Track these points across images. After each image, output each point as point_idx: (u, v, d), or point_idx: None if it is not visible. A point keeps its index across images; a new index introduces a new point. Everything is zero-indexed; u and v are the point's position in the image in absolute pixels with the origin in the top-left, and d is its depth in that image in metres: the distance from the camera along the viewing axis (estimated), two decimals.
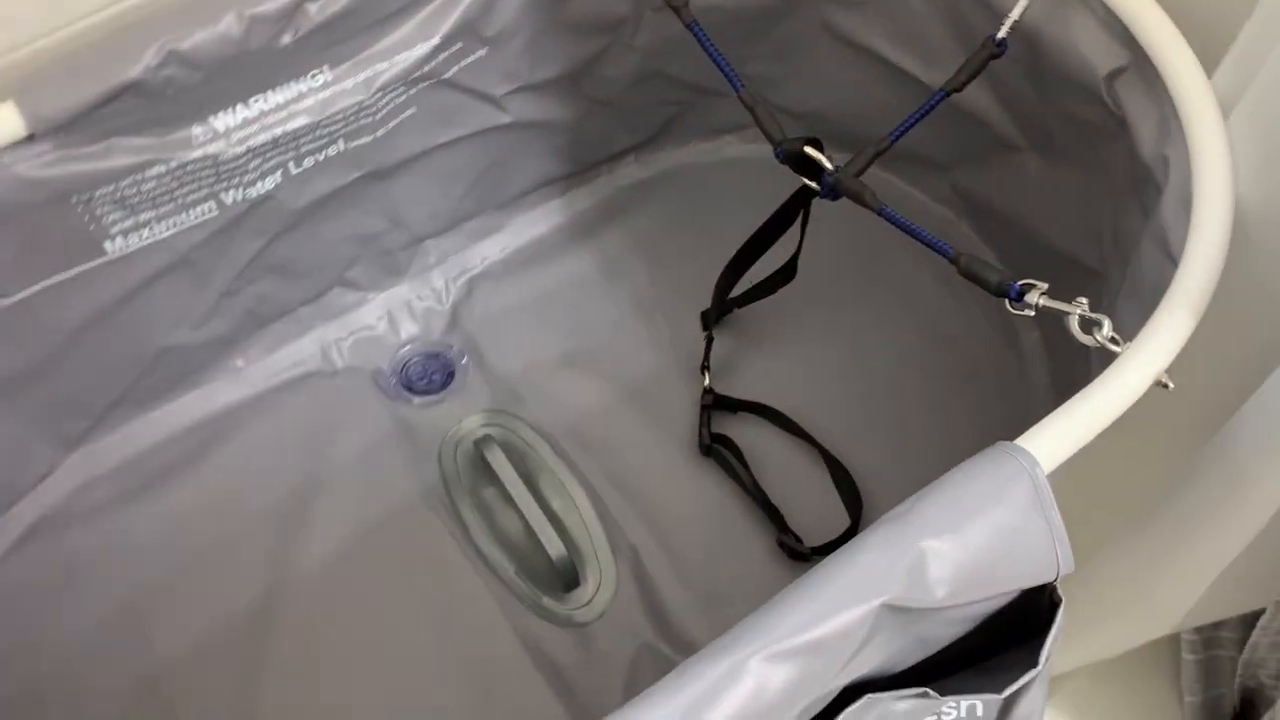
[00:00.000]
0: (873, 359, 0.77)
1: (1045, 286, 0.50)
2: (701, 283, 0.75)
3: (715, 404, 0.74)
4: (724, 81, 0.63)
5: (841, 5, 0.74)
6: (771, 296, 0.75)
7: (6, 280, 0.59)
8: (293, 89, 0.61)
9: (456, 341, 0.79)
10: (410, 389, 0.77)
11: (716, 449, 0.73)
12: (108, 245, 0.61)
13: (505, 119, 0.74)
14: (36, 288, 0.60)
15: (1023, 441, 0.44)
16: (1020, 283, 0.51)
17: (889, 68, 0.75)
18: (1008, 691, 0.44)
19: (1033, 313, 0.50)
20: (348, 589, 0.68)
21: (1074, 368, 0.71)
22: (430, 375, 0.78)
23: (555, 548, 0.68)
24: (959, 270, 0.54)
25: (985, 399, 0.75)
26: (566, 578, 0.68)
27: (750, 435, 0.74)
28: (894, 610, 0.40)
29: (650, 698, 0.37)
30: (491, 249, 0.82)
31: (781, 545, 0.69)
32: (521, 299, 0.81)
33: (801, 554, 0.68)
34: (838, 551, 0.41)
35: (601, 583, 0.69)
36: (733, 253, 0.73)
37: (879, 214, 0.57)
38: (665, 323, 0.79)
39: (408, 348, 0.79)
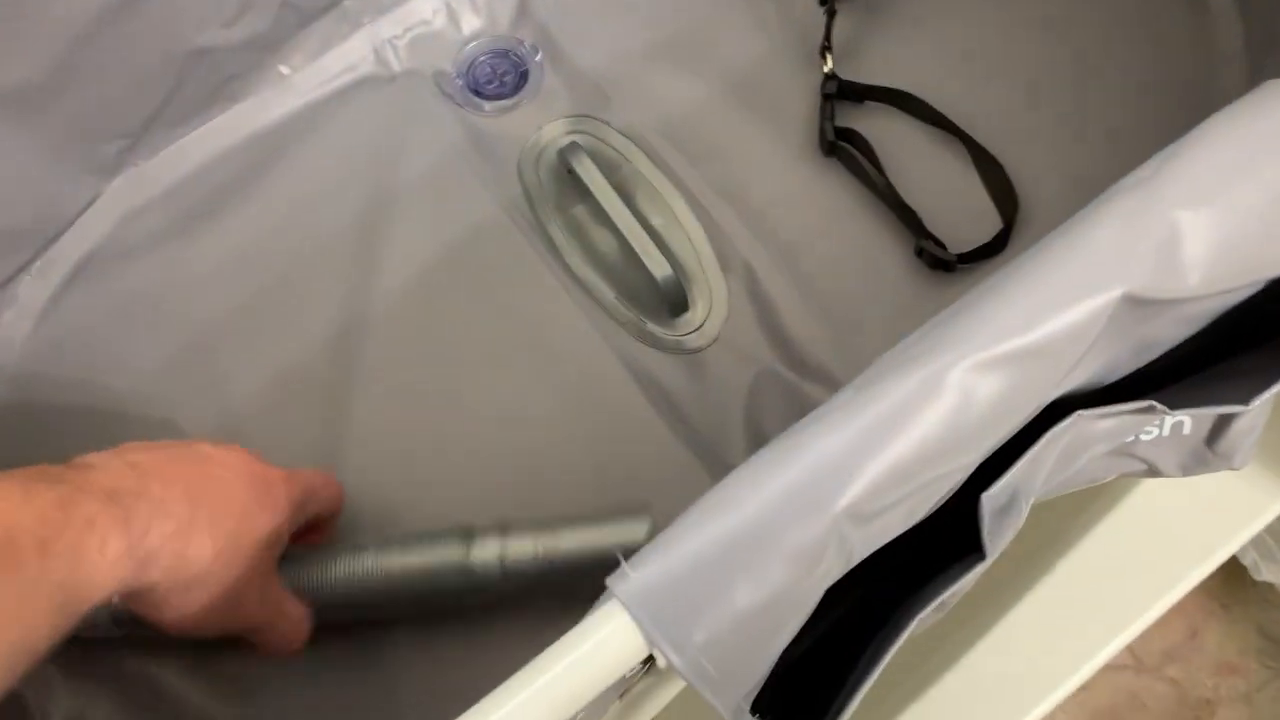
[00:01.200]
0: (1027, 30, 0.64)
1: None
2: None
3: (839, 92, 0.62)
4: None
5: None
6: None
7: None
8: None
9: (527, 35, 0.68)
10: (479, 93, 0.67)
11: (841, 146, 0.62)
12: None
13: None
14: None
15: None
16: None
17: None
18: (1255, 402, 0.35)
19: None
20: (432, 318, 0.61)
21: (1276, 27, 0.58)
22: (501, 77, 0.67)
23: (660, 268, 0.59)
24: None
25: (1163, 74, 0.63)
26: (673, 300, 0.60)
27: (881, 128, 0.62)
28: (1132, 303, 0.31)
29: (823, 420, 0.29)
30: None
31: (920, 253, 0.59)
32: None
33: (945, 262, 0.58)
34: (1062, 230, 0.31)
35: (712, 305, 0.61)
36: None
37: None
38: None
39: (472, 45, 0.68)
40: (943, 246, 0.59)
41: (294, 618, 0.47)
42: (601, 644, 0.29)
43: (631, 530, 0.49)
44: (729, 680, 0.29)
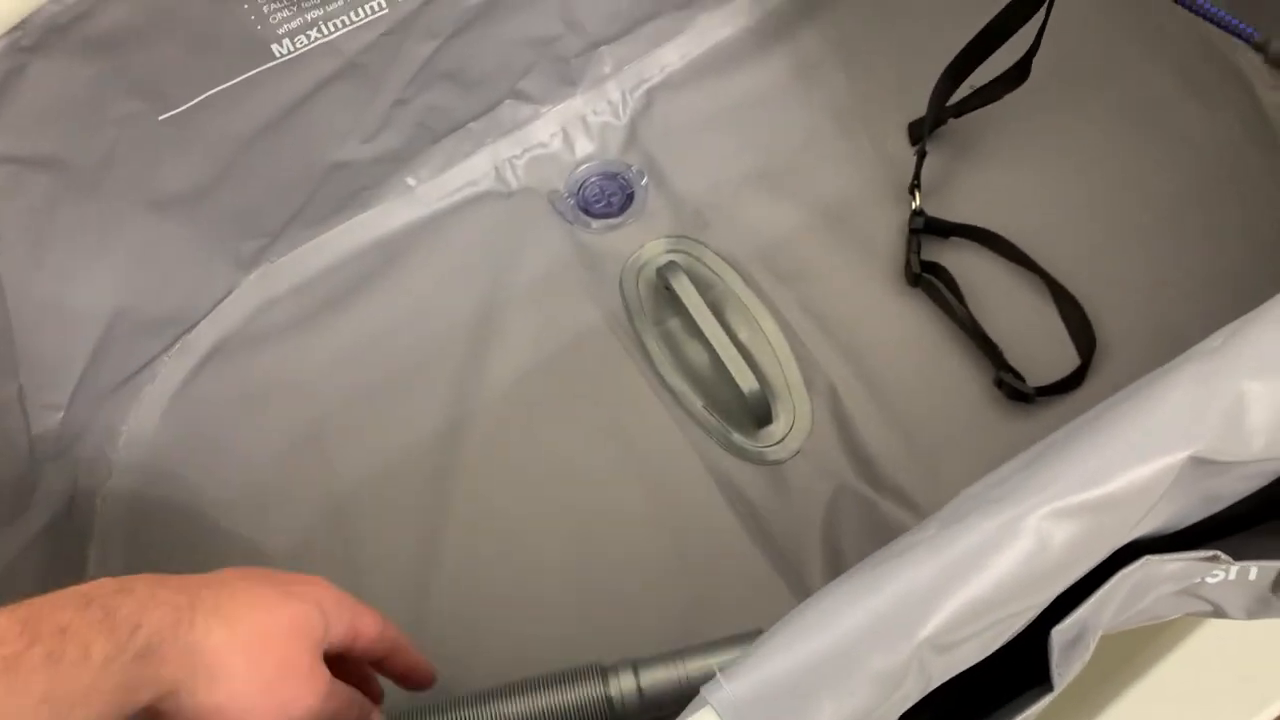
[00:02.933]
0: (1109, 176, 0.68)
1: None
2: (910, 89, 0.67)
3: (926, 228, 0.66)
4: None
5: None
6: (990, 105, 0.66)
7: (175, 87, 0.56)
8: None
9: (635, 160, 0.73)
10: (588, 212, 0.72)
11: (926, 278, 0.65)
12: (275, 48, 0.57)
13: None
14: (205, 95, 0.57)
15: None
16: None
17: None
18: None
19: None
20: (532, 420, 0.65)
21: None
22: (608, 197, 0.72)
23: (747, 382, 0.63)
24: (1266, 58, 0.44)
25: (1242, 223, 0.65)
26: (758, 414, 0.63)
27: (965, 263, 0.66)
28: (1199, 464, 0.34)
29: (910, 554, 0.32)
30: (672, 55, 0.75)
31: (1000, 384, 0.62)
32: (705, 112, 0.74)
33: (1023, 394, 0.61)
34: (1135, 389, 0.34)
35: (795, 420, 0.64)
36: (946, 54, 0.63)
37: None
38: (868, 136, 0.71)
39: (584, 167, 0.73)
40: (1021, 379, 0.61)
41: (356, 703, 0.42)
42: None
43: None
44: None
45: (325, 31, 0.57)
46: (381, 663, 0.45)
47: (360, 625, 0.43)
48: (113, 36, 0.51)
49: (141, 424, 0.65)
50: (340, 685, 0.41)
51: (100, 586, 0.35)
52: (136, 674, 0.34)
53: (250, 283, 0.69)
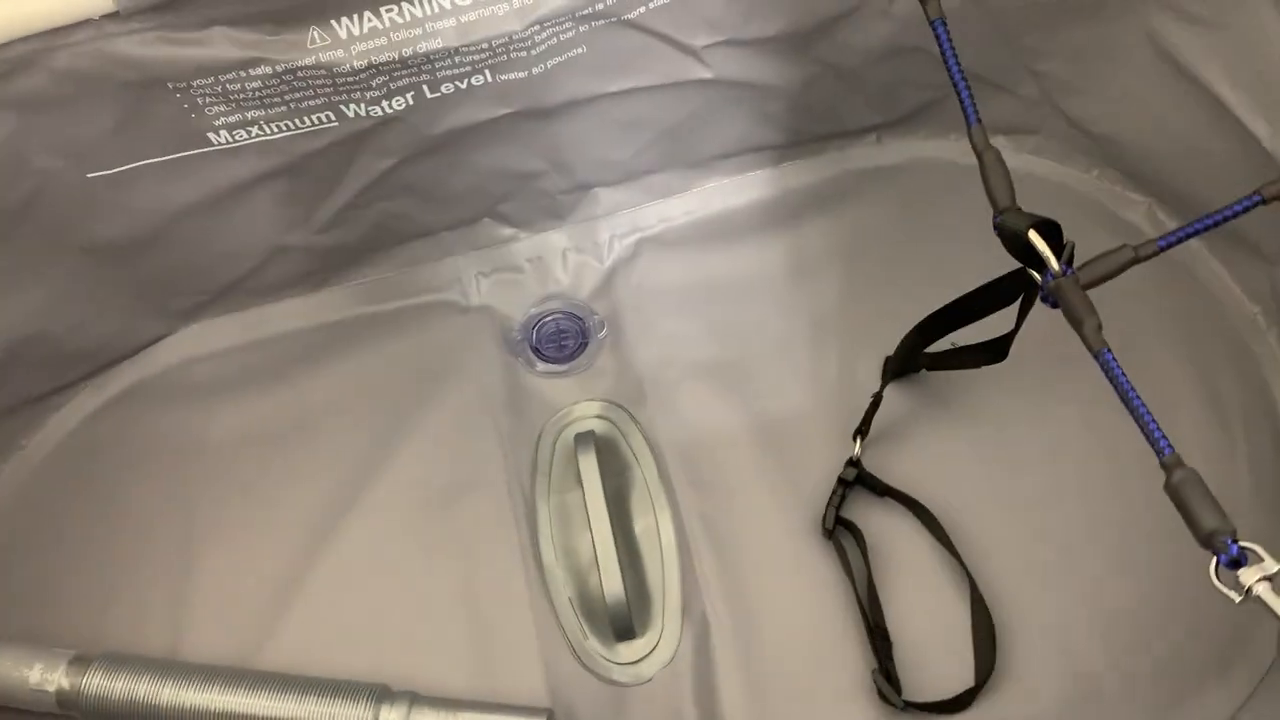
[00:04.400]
0: (1069, 481, 0.60)
1: (1276, 569, 0.33)
2: (901, 316, 0.60)
3: (857, 479, 0.60)
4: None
5: (1176, 15, 0.54)
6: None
7: (105, 153, 0.55)
8: (431, 4, 0.51)
9: (602, 308, 0.69)
10: (537, 351, 0.68)
11: (840, 535, 0.59)
12: (212, 136, 0.55)
13: (705, 74, 0.61)
14: (136, 165, 0.56)
15: None
16: (1241, 545, 0.34)
17: (1221, 111, 0.55)
18: None
19: (1239, 598, 0.34)
20: (396, 549, 0.62)
21: None
22: (563, 340, 0.68)
23: (613, 589, 0.58)
24: (1165, 485, 0.37)
25: (1194, 590, 0.56)
26: (618, 626, 0.59)
27: (886, 528, 0.59)
28: None
29: None
30: (674, 210, 0.71)
31: (876, 681, 0.55)
32: (687, 280, 0.69)
33: (894, 704, 0.54)
34: None
35: (659, 644, 0.59)
36: (959, 284, 0.56)
37: (1094, 356, 0.41)
38: (838, 355, 0.65)
39: (550, 302, 0.69)
40: (897, 689, 0.55)
41: None
42: None
43: None
44: None
45: (266, 131, 0.55)
46: None
47: None
48: (32, 99, 0.50)
49: (36, 450, 0.65)
50: None
51: None
52: None
53: (181, 334, 0.68)
